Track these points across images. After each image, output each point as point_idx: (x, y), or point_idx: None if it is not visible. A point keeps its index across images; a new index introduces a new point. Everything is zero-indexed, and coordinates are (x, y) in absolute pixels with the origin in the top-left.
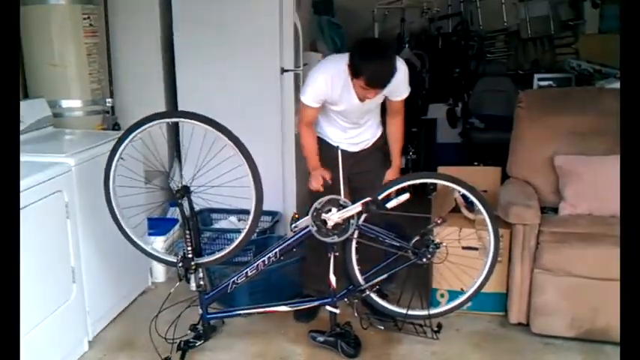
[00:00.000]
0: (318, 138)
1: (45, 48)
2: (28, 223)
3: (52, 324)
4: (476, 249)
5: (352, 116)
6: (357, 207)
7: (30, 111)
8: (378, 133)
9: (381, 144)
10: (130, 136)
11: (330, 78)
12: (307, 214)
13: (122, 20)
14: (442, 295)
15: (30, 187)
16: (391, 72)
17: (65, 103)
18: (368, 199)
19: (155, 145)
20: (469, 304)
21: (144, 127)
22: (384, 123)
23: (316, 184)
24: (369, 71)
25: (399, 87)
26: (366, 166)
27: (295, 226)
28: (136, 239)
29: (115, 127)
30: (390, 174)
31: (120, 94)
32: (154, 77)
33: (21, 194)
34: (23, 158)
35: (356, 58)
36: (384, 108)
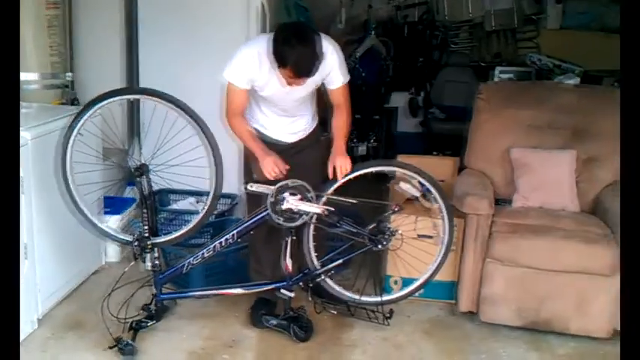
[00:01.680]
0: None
1: None
2: None
3: None
4: (430, 237)
5: (282, 104)
6: (317, 209)
7: None
8: (314, 124)
9: (319, 136)
10: (89, 112)
11: (257, 55)
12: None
13: None
14: (396, 282)
15: None
16: (316, 57)
17: (23, 76)
18: (328, 209)
19: (115, 122)
20: (421, 291)
21: (103, 103)
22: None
23: (270, 170)
24: (292, 59)
25: (333, 73)
26: (306, 158)
27: (251, 186)
28: (91, 217)
29: (74, 102)
30: (335, 158)
31: (80, 69)
32: (116, 53)
33: None
34: None
35: (279, 45)
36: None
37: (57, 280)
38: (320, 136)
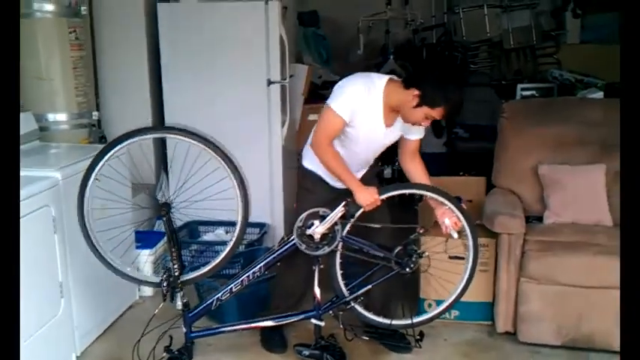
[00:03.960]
0: (318, 175)
1: (31, 61)
2: None
3: (40, 339)
4: (462, 258)
5: (365, 149)
6: (338, 211)
7: None
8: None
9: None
10: (107, 155)
11: (366, 90)
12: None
13: (108, 33)
14: (430, 305)
15: None
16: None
17: (51, 117)
18: (346, 199)
19: (145, 157)
20: (456, 313)
21: (120, 146)
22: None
23: (369, 200)
24: (449, 101)
25: (414, 125)
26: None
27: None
28: (114, 263)
29: (102, 140)
30: (444, 212)
31: (106, 108)
32: (141, 90)
33: None
34: None
35: (432, 86)
36: None
37: (93, 318)
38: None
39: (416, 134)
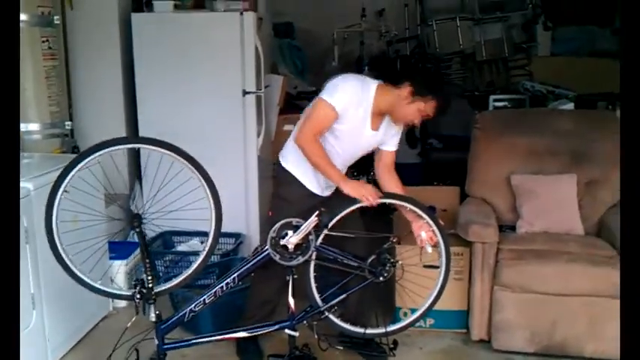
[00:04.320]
0: (297, 180)
1: None
2: None
3: None
4: (437, 267)
5: (348, 149)
6: (311, 221)
7: None
8: None
9: None
10: (77, 167)
11: (360, 88)
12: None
13: (82, 43)
14: (405, 314)
15: None
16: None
17: (24, 127)
18: (319, 209)
19: (118, 168)
20: (432, 321)
21: (90, 158)
22: None
23: (367, 194)
24: (440, 92)
25: (396, 136)
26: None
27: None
28: (84, 277)
29: (75, 150)
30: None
31: (79, 117)
32: (114, 100)
33: None
34: None
35: (423, 78)
36: None
37: (66, 329)
38: None
39: (391, 145)
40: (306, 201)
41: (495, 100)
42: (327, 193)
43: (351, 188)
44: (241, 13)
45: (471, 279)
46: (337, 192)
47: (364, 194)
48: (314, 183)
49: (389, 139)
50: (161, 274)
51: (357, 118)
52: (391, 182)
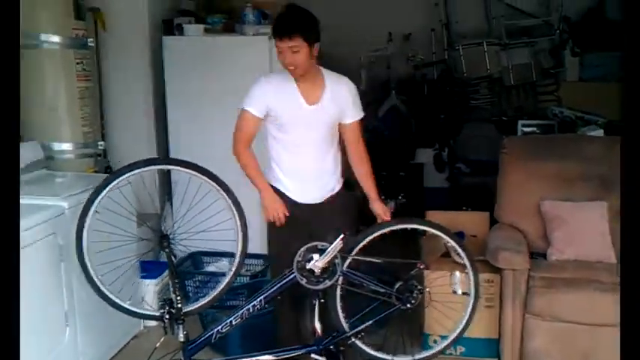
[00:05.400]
0: (277, 189)
1: (38, 91)
2: (22, 266)
3: None
4: (467, 294)
5: (303, 133)
6: (336, 245)
7: (23, 154)
8: (339, 186)
9: (347, 200)
10: (108, 188)
11: (268, 80)
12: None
13: (114, 64)
14: (435, 341)
15: (24, 229)
16: (294, 17)
17: (57, 146)
18: (345, 232)
19: (148, 189)
20: (462, 349)
21: (121, 178)
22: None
23: (272, 213)
24: (277, 18)
25: (347, 107)
26: (333, 222)
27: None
28: (115, 299)
29: (107, 170)
30: (375, 203)
31: (112, 137)
32: (146, 121)
33: None
34: None
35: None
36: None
37: (98, 347)
38: (347, 199)
39: (349, 117)
40: (291, 210)
41: (524, 126)
42: (306, 198)
43: (262, 199)
44: (270, 37)
45: (502, 306)
46: (326, 202)
47: (268, 211)
48: (286, 186)
49: (345, 111)
50: (190, 294)
51: (285, 101)
52: (354, 157)
